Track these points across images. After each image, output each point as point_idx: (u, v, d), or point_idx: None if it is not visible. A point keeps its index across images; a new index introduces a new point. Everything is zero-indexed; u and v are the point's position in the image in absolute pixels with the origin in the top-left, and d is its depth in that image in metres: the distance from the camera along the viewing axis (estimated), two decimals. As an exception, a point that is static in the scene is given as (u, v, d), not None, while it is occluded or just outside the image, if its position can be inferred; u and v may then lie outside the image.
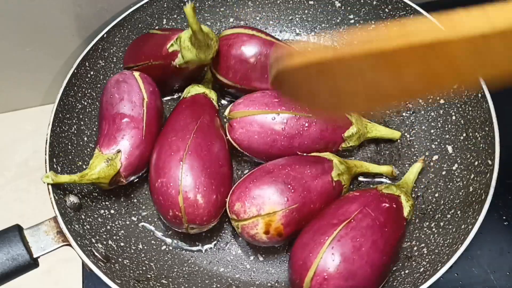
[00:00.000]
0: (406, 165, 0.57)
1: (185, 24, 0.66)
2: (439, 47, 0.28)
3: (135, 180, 0.55)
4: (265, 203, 0.47)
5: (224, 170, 0.51)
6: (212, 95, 0.58)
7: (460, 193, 0.52)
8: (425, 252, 0.49)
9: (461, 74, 0.32)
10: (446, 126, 0.58)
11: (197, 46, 0.52)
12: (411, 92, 0.36)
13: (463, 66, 0.30)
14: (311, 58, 0.34)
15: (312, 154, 0.53)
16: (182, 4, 0.66)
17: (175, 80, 0.60)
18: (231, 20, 0.68)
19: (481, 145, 0.52)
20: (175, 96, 0.64)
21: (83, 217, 0.51)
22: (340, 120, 0.55)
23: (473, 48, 0.28)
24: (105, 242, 0.50)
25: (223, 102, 0.63)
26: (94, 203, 0.53)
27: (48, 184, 0.48)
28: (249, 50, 0.55)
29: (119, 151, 0.51)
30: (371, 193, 0.49)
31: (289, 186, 0.48)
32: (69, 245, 0.46)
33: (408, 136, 0.59)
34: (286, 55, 0.35)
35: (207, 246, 0.53)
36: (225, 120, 0.56)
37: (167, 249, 0.53)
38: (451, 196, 0.52)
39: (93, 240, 0.49)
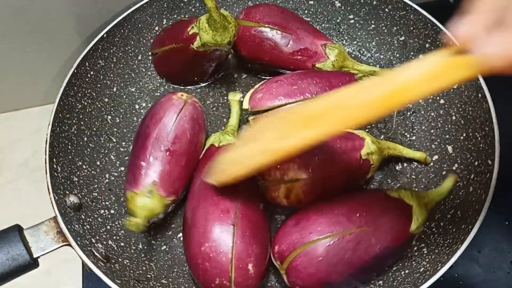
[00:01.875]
0: (406, 165, 0.57)
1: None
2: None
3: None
4: (289, 169, 0.48)
5: (267, 234, 0.48)
6: None
7: (460, 193, 0.52)
8: (425, 252, 0.49)
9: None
10: (446, 126, 0.58)
11: (214, 28, 0.52)
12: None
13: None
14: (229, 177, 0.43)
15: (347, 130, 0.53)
16: (182, 4, 0.66)
17: (196, 66, 0.60)
18: (231, 20, 0.68)
19: (481, 145, 0.52)
20: (198, 86, 0.64)
21: (83, 217, 0.51)
22: None
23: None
24: (105, 242, 0.50)
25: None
26: (94, 203, 0.53)
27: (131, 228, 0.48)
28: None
29: (174, 201, 0.51)
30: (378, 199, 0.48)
31: (316, 158, 0.48)
32: (69, 245, 0.46)
33: (408, 136, 0.59)
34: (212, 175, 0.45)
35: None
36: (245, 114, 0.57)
37: (167, 249, 0.53)
38: (451, 196, 0.52)
39: (93, 240, 0.49)
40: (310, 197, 0.49)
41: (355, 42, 0.67)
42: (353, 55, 0.66)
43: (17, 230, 0.46)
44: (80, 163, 0.55)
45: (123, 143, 0.60)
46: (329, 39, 0.61)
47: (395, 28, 0.64)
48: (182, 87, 0.64)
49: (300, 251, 0.43)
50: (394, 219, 0.47)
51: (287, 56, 0.59)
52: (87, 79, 0.59)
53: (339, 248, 0.43)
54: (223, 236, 0.44)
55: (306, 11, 0.68)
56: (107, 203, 0.55)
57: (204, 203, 0.47)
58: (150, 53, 0.65)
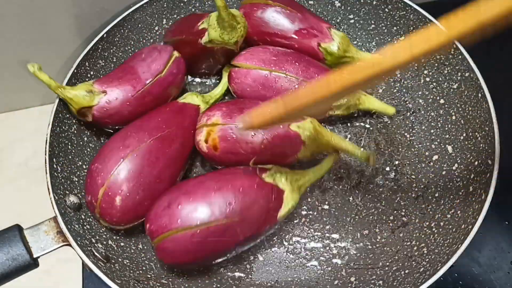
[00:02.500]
0: (406, 165, 0.57)
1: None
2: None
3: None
4: (214, 115, 0.51)
5: (159, 187, 0.50)
6: None
7: (460, 193, 0.52)
8: (425, 252, 0.49)
9: None
10: (446, 126, 0.58)
11: (222, 26, 0.52)
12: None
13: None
14: (267, 117, 0.41)
15: None
16: (182, 4, 0.66)
17: (203, 60, 0.60)
18: (231, 20, 0.68)
19: (481, 145, 0.52)
20: (204, 79, 0.65)
21: (83, 217, 0.51)
22: None
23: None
24: (105, 242, 0.50)
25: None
26: (94, 203, 0.53)
27: (31, 71, 0.52)
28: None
29: (104, 92, 0.53)
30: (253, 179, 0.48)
31: (243, 110, 0.51)
32: (69, 245, 0.46)
33: (408, 136, 0.59)
34: (247, 119, 0.42)
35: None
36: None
37: (167, 249, 0.53)
38: (451, 196, 0.52)
39: (93, 240, 0.49)
40: (225, 146, 0.50)
41: (355, 42, 0.67)
42: (353, 55, 0.66)
43: (17, 230, 0.46)
44: (80, 163, 0.55)
45: (123, 143, 0.60)
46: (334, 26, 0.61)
47: (395, 28, 0.64)
48: (190, 80, 0.64)
49: (168, 236, 0.45)
50: (265, 207, 0.47)
51: (293, 32, 0.59)
52: (87, 79, 0.59)
53: (205, 238, 0.45)
54: (108, 164, 0.48)
55: (306, 11, 0.68)
56: (107, 203, 0.55)
57: (120, 133, 0.52)
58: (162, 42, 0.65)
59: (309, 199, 0.56)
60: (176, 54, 0.58)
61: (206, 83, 0.65)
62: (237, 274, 0.52)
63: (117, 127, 0.55)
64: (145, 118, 0.53)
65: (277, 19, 0.59)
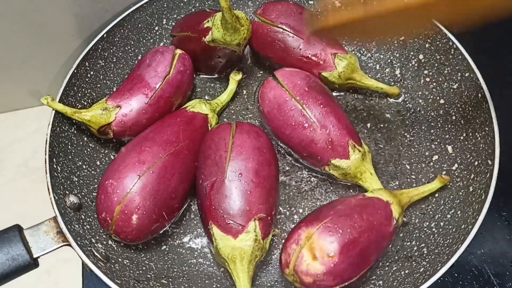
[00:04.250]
0: (406, 165, 0.57)
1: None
2: None
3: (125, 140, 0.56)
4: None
5: (173, 203, 0.50)
6: (213, 121, 0.57)
7: (460, 193, 0.52)
8: (425, 252, 0.49)
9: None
10: (446, 126, 0.58)
11: (225, 27, 0.53)
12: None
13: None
14: (343, 18, 0.41)
15: None
16: (182, 4, 0.66)
17: (206, 58, 0.61)
18: (231, 20, 0.68)
19: (481, 145, 0.52)
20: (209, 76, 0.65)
21: (83, 217, 0.51)
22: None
23: None
24: (105, 242, 0.50)
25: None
26: (94, 203, 0.53)
27: (45, 104, 0.52)
28: None
29: (119, 106, 0.54)
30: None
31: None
32: (69, 245, 0.46)
33: (408, 136, 0.59)
34: (319, 16, 0.42)
35: (207, 246, 0.53)
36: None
37: (167, 249, 0.53)
38: (451, 196, 0.52)
39: (93, 240, 0.49)
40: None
41: (355, 42, 0.67)
42: (353, 55, 0.66)
43: (17, 230, 0.46)
44: (80, 163, 0.55)
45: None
46: (343, 48, 0.60)
47: (395, 28, 0.64)
48: (194, 76, 0.64)
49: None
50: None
51: (295, 59, 0.59)
52: (87, 79, 0.59)
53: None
54: (124, 180, 0.48)
55: (306, 11, 0.68)
56: (107, 203, 0.55)
57: (133, 146, 0.51)
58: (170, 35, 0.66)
59: (309, 200, 0.56)
60: (179, 51, 0.58)
61: (207, 83, 0.65)
62: (237, 274, 0.52)
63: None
64: (157, 128, 0.53)
65: (281, 43, 0.59)
